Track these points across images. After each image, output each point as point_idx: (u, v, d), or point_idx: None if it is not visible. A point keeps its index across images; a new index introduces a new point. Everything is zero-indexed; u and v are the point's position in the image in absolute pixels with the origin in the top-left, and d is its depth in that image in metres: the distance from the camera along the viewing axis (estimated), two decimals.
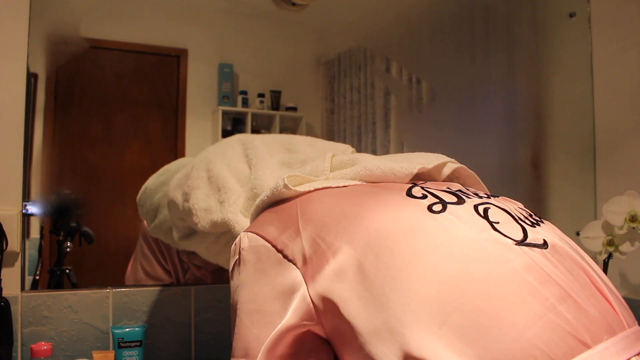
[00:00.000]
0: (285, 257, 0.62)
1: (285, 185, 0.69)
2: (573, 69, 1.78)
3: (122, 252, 1.30)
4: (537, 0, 1.79)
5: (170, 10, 1.37)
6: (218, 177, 0.87)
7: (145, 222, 1.23)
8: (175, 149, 1.36)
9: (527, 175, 1.78)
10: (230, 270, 0.70)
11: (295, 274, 0.60)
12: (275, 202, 0.71)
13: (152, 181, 1.23)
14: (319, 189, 0.69)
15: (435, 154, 0.81)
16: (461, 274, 0.52)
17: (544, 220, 0.65)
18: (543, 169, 1.78)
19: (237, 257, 0.68)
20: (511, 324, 0.48)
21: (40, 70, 1.21)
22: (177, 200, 0.93)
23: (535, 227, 0.60)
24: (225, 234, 0.90)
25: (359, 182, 0.72)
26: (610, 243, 1.31)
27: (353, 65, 1.60)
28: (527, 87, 1.80)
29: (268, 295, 0.61)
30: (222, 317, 1.27)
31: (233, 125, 1.45)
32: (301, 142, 0.95)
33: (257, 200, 0.74)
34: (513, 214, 0.61)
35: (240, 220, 0.81)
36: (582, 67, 1.76)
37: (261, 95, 1.47)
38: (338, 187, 0.70)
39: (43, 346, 1.00)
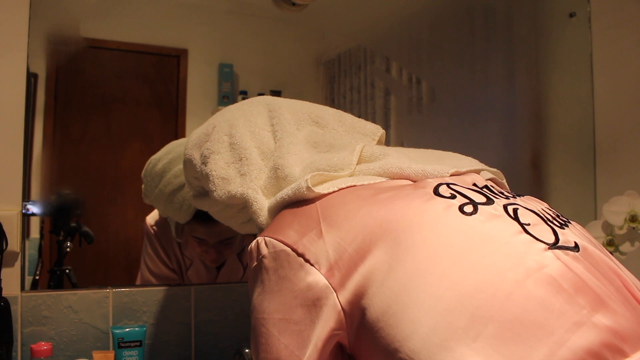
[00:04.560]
0: (307, 261, 0.60)
1: (308, 188, 0.66)
2: (573, 69, 1.78)
3: (122, 252, 1.30)
4: (537, 0, 1.79)
5: (171, 10, 1.37)
6: (240, 145, 0.81)
7: (147, 200, 1.22)
8: None
9: (527, 175, 1.78)
10: (250, 275, 0.68)
11: (318, 279, 0.58)
12: (295, 201, 0.69)
13: (156, 155, 1.21)
14: (342, 189, 0.67)
15: (469, 158, 0.78)
16: (495, 281, 0.50)
17: (571, 221, 0.63)
18: (543, 168, 1.78)
19: (257, 263, 0.65)
20: (549, 333, 0.46)
21: (40, 70, 1.21)
22: (194, 160, 0.88)
23: (564, 228, 0.59)
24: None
25: (385, 179, 0.69)
26: (610, 243, 1.31)
27: (353, 65, 1.60)
28: (527, 87, 1.79)
29: (292, 302, 0.59)
30: (222, 317, 1.27)
31: None
32: (330, 116, 0.88)
33: (278, 197, 0.71)
34: (541, 215, 0.60)
35: (260, 199, 0.77)
36: (582, 67, 1.76)
37: (261, 95, 1.47)
38: (363, 184, 0.67)
39: (43, 346, 1.00)
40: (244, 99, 1.45)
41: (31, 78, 1.18)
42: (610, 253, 1.31)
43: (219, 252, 1.27)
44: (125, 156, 1.31)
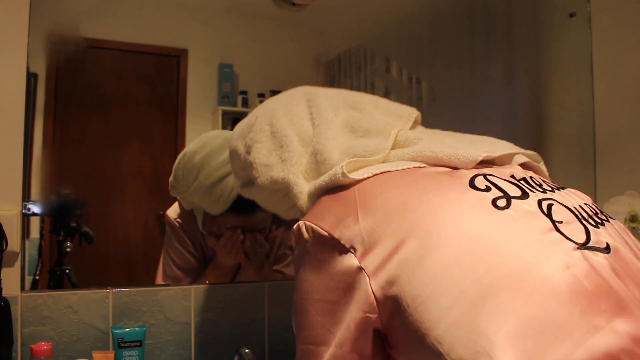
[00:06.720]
0: (343, 246, 0.63)
1: (344, 174, 0.69)
2: (573, 69, 1.78)
3: (122, 252, 1.30)
4: (537, 0, 1.79)
5: (171, 10, 1.37)
6: (281, 134, 0.86)
7: (175, 192, 1.24)
8: (175, 149, 1.36)
9: None
10: (295, 257, 0.72)
11: (353, 262, 0.61)
12: (333, 187, 0.72)
13: (190, 146, 1.24)
14: (377, 174, 0.69)
15: (504, 142, 0.81)
16: (520, 278, 0.51)
17: (609, 219, 0.63)
18: None
19: (301, 246, 0.69)
20: (567, 334, 0.47)
21: (40, 70, 1.21)
22: (239, 150, 0.93)
23: (599, 227, 0.59)
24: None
25: (420, 164, 0.71)
26: None
27: (353, 65, 1.60)
28: (527, 87, 1.79)
29: (329, 284, 0.63)
30: (223, 317, 1.27)
31: (233, 126, 1.45)
32: (367, 101, 0.92)
33: (316, 183, 0.75)
34: (577, 213, 0.60)
35: (300, 183, 0.81)
36: (582, 67, 1.76)
37: (261, 95, 1.47)
38: (397, 170, 0.70)
39: (43, 346, 1.00)
40: (243, 99, 1.45)
41: (31, 78, 1.18)
42: None
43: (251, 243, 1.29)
44: (125, 156, 1.31)
